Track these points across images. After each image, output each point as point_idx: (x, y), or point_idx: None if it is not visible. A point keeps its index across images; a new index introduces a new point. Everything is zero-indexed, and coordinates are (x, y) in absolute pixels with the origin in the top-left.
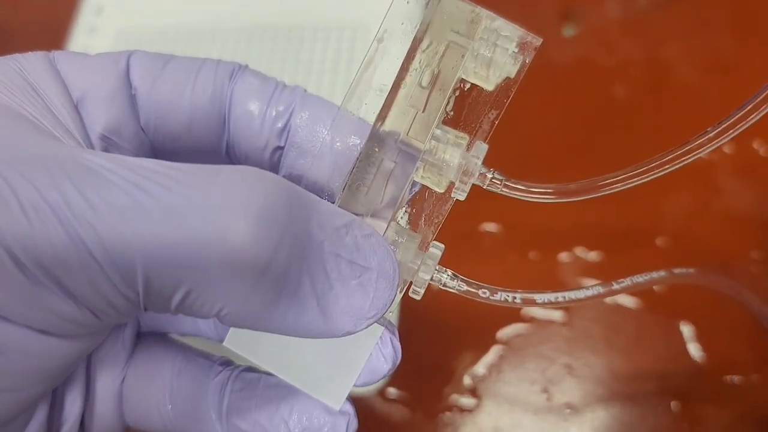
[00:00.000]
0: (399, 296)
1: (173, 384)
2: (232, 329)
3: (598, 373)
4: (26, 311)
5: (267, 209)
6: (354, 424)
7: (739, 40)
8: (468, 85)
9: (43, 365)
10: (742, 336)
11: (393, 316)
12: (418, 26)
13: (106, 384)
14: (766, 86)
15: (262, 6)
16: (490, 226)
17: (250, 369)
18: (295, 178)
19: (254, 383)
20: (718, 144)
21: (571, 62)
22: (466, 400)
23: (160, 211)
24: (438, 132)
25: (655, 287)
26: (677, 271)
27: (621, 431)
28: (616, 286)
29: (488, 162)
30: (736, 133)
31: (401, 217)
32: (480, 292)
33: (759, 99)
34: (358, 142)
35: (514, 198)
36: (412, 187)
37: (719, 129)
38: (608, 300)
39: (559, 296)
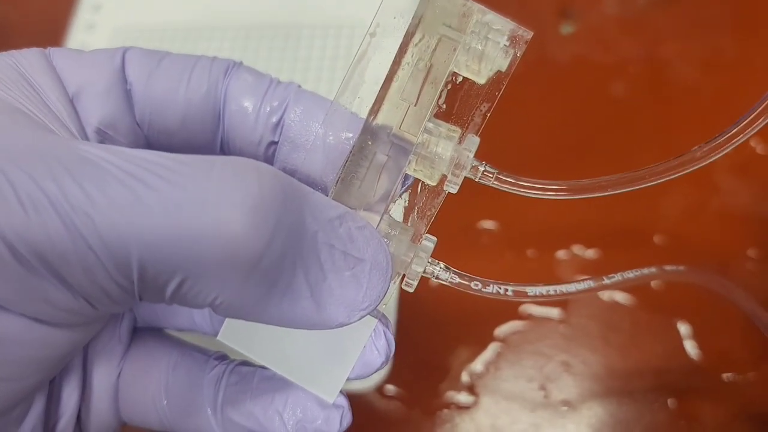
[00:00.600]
0: (392, 288)
1: (169, 378)
2: (225, 323)
3: (595, 371)
4: (21, 300)
5: (261, 200)
6: (348, 417)
7: (737, 39)
8: (460, 79)
9: (38, 354)
10: (738, 333)
11: (389, 310)
12: (410, 20)
13: (102, 378)
14: None
15: (260, 4)
16: (487, 224)
17: (245, 363)
18: (289, 172)
19: (249, 377)
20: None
21: (569, 60)
22: (464, 398)
23: (156, 201)
24: (430, 125)
25: (652, 285)
26: (668, 268)
27: (618, 428)
28: (606, 281)
29: (485, 160)
30: (745, 138)
31: (394, 210)
32: (472, 284)
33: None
34: (351, 136)
35: (505, 191)
36: (405, 181)
37: (728, 135)
38: (605, 298)
39: (551, 289)
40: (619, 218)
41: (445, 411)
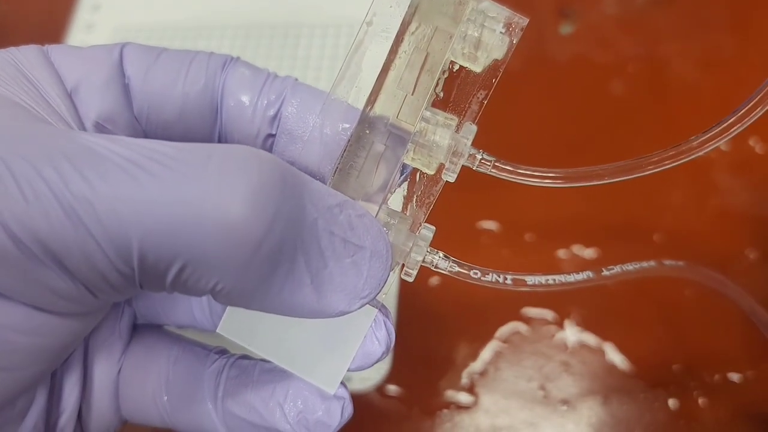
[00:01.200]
0: (392, 277)
1: (169, 373)
2: (224, 316)
3: (595, 370)
4: (22, 287)
5: (262, 186)
6: (349, 408)
7: (736, 38)
8: (457, 67)
9: (39, 343)
10: (738, 332)
11: (389, 303)
12: (406, 9)
13: (102, 374)
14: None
15: (259, 3)
16: (487, 224)
17: (246, 357)
18: (298, 165)
19: (250, 369)
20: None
21: (568, 60)
22: (464, 397)
23: (156, 187)
24: (427, 114)
25: (652, 284)
26: (667, 262)
27: (618, 428)
28: (606, 273)
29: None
30: (742, 128)
31: (392, 200)
32: (471, 272)
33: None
34: (348, 126)
35: (504, 179)
36: (403, 170)
37: (724, 125)
38: (604, 297)
39: (549, 279)
40: (619, 216)
41: (445, 411)
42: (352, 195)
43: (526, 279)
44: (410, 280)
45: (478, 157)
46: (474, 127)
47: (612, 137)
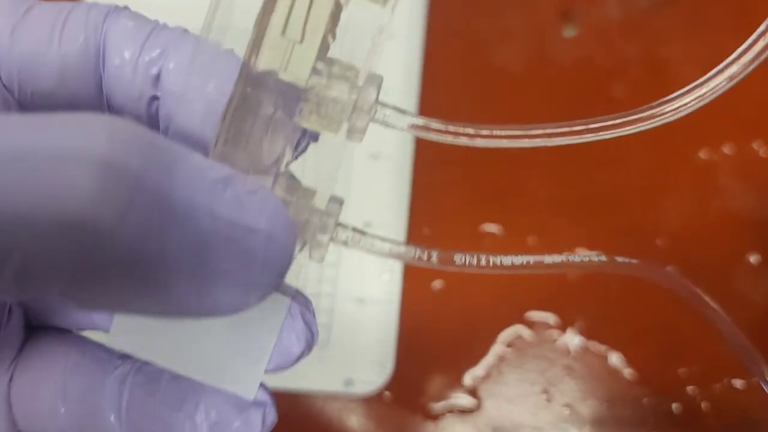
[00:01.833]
0: (302, 259)
1: (66, 382)
2: (114, 323)
3: (598, 375)
4: None
5: (111, 161)
6: (272, 414)
7: (739, 40)
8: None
9: None
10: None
11: (392, 314)
12: None
13: None
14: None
15: (260, 5)
16: (490, 227)
17: None
18: (174, 133)
19: (157, 376)
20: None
21: (570, 62)
22: (466, 402)
23: None
24: (320, 65)
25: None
26: (619, 259)
27: None
28: (548, 260)
29: (485, 166)
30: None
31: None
32: (389, 247)
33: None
34: (230, 83)
35: (419, 136)
36: (303, 135)
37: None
38: (608, 302)
39: (481, 258)
40: (622, 220)
41: (448, 415)
42: (242, 167)
43: (454, 257)
44: (320, 261)
45: (387, 112)
46: (379, 76)
47: (614, 140)
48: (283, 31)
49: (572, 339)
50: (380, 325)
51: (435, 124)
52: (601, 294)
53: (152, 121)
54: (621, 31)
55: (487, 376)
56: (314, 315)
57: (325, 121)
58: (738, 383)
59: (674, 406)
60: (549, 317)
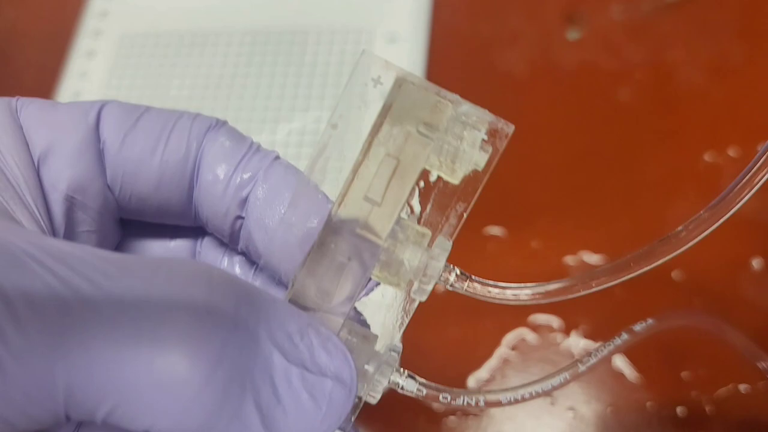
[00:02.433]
0: (358, 405)
1: None
2: None
3: (602, 378)
4: None
5: (208, 319)
6: None
7: (744, 44)
8: (433, 175)
9: None
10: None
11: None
12: (377, 111)
13: None
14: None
15: (266, 9)
16: (494, 230)
17: None
18: (252, 252)
19: None
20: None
21: (575, 66)
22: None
23: (86, 313)
24: (397, 228)
25: (658, 286)
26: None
27: None
28: (582, 368)
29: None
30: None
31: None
32: (441, 396)
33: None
34: (315, 226)
35: (477, 298)
36: (368, 283)
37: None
38: (612, 305)
39: (526, 392)
40: (626, 223)
41: (451, 418)
42: (313, 306)
43: (500, 398)
44: (373, 402)
45: (452, 276)
46: (449, 244)
47: (618, 144)
48: (365, 194)
49: (576, 342)
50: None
51: (491, 285)
52: (604, 297)
53: (233, 237)
54: (625, 34)
55: (491, 379)
56: None
57: (395, 279)
58: (743, 387)
59: (678, 410)
60: (552, 320)
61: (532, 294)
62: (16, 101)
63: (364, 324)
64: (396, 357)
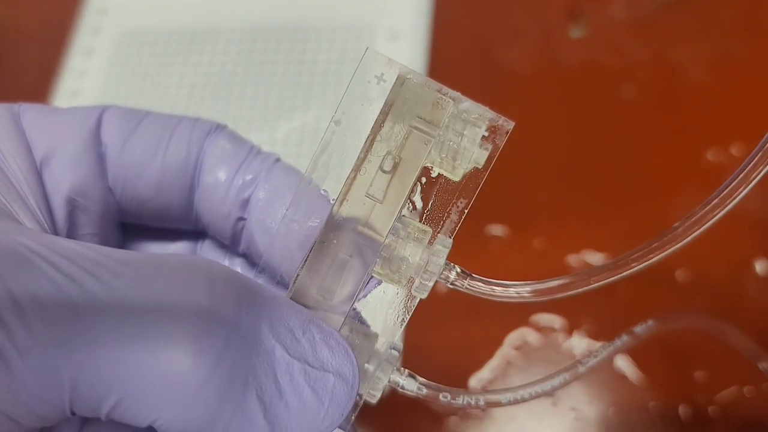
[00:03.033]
0: (358, 402)
1: None
2: None
3: (604, 379)
4: None
5: (211, 314)
6: None
7: (748, 41)
8: (435, 172)
9: None
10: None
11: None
12: (379, 108)
13: None
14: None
15: (266, 7)
16: (495, 229)
17: None
18: (254, 253)
19: None
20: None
21: (578, 64)
22: None
23: (91, 310)
24: (398, 225)
25: (661, 288)
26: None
27: None
28: (582, 369)
29: (494, 166)
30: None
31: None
32: (440, 395)
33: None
34: (316, 225)
35: (477, 296)
36: (369, 281)
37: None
38: (615, 306)
39: (526, 393)
40: (628, 222)
41: (453, 418)
42: (314, 305)
43: (500, 398)
44: (373, 402)
45: (453, 274)
46: (449, 241)
47: (621, 142)
48: (367, 191)
49: (579, 343)
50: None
51: (495, 284)
52: (607, 297)
53: (235, 238)
54: (628, 32)
55: (493, 380)
56: None
57: (396, 276)
58: (746, 389)
59: (681, 410)
60: (555, 320)
61: (533, 291)
62: (18, 107)
63: (364, 323)
64: (396, 355)
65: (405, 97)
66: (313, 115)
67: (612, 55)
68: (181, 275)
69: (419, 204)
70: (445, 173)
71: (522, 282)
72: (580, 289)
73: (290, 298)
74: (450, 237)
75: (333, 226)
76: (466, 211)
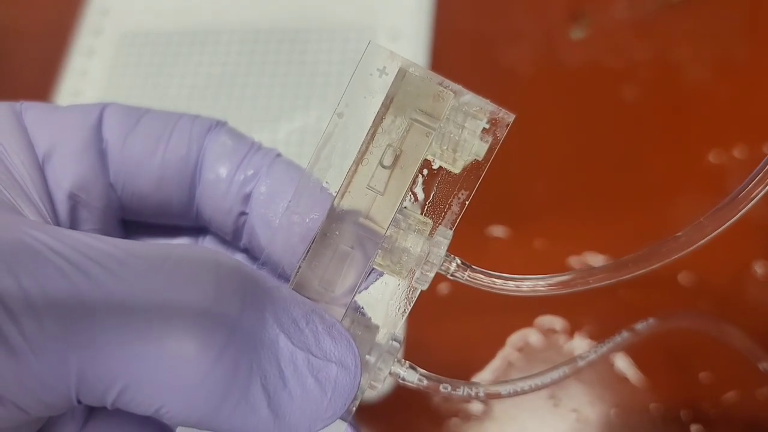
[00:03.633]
0: (360, 393)
1: None
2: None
3: (606, 380)
4: None
5: (216, 302)
6: None
7: (750, 42)
8: (436, 164)
9: None
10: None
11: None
12: (381, 101)
13: None
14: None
15: (267, 8)
16: (496, 230)
17: None
18: (255, 247)
19: None
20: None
21: (579, 64)
22: (472, 406)
23: (97, 298)
24: (399, 217)
25: (665, 290)
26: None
27: None
28: (581, 363)
29: (491, 168)
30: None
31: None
32: (441, 386)
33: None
34: (317, 217)
35: (477, 287)
36: (370, 273)
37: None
38: (617, 307)
39: (525, 385)
40: (630, 224)
41: (454, 419)
42: (315, 297)
43: (500, 390)
44: (374, 392)
45: (453, 265)
46: (450, 233)
47: (622, 143)
48: (369, 183)
49: (580, 344)
50: None
51: (496, 277)
52: (609, 299)
53: (236, 233)
54: (630, 33)
55: (494, 381)
56: None
57: (397, 267)
58: (747, 390)
59: (683, 412)
60: (556, 322)
61: (533, 285)
62: (20, 105)
63: (365, 315)
64: (398, 346)
65: (406, 90)
66: (314, 116)
67: (613, 56)
68: (187, 264)
69: (421, 196)
70: (445, 165)
71: (522, 276)
72: (579, 288)
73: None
74: (451, 229)
75: (334, 218)
76: (467, 202)
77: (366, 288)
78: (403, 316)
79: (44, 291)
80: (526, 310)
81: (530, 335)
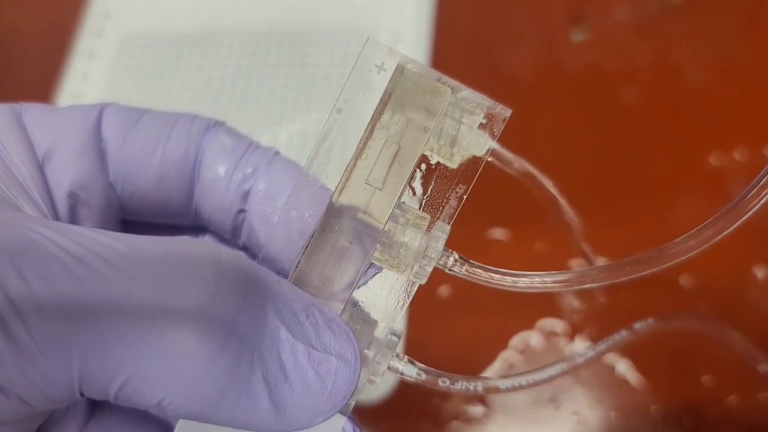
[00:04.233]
0: (360, 386)
1: None
2: (179, 423)
3: (607, 383)
4: None
5: (217, 296)
6: None
7: (751, 44)
8: (434, 160)
9: None
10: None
11: (399, 321)
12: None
13: None
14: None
15: (268, 11)
16: (497, 233)
17: None
18: (254, 245)
19: None
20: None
21: (580, 67)
22: (474, 409)
23: (100, 291)
24: (397, 212)
25: (665, 292)
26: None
27: None
28: (580, 360)
29: (491, 170)
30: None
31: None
32: (439, 380)
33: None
34: (315, 213)
35: (475, 282)
36: (368, 268)
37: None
38: (618, 310)
39: (523, 380)
40: (631, 227)
41: (455, 422)
42: (314, 292)
43: (498, 384)
44: (372, 386)
45: (450, 260)
46: (447, 227)
47: (623, 145)
48: (367, 178)
49: (581, 347)
50: None
51: (494, 272)
52: (610, 301)
53: (236, 231)
54: (631, 35)
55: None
56: (361, 429)
57: (395, 262)
58: (748, 393)
59: (683, 415)
60: (557, 324)
61: (530, 282)
62: (20, 106)
63: (364, 310)
64: (396, 341)
65: (404, 86)
66: (315, 119)
67: (614, 59)
68: (189, 257)
69: (419, 190)
70: (442, 161)
71: (521, 272)
72: (575, 287)
73: None
74: (448, 224)
75: (333, 213)
76: (464, 197)
77: (365, 283)
78: (401, 309)
79: (47, 284)
80: (527, 312)
81: (531, 337)
